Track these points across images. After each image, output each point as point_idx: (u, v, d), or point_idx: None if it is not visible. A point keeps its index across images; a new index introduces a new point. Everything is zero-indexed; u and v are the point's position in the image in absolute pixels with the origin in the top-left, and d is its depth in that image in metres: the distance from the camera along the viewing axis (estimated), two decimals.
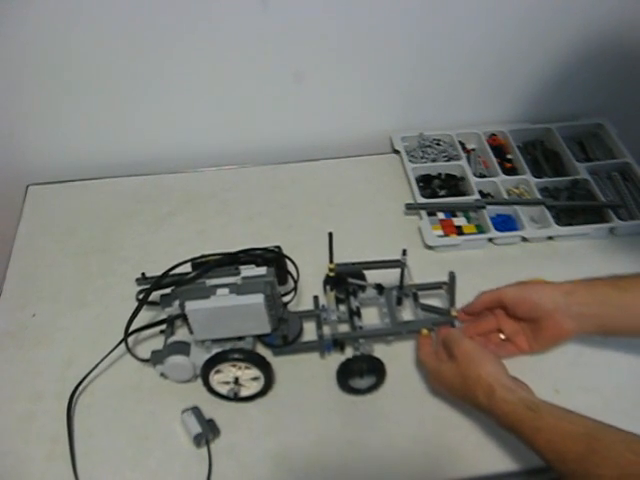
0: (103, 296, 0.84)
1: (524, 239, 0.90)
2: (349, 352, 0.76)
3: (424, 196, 0.96)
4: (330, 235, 0.72)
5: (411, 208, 0.94)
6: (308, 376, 0.75)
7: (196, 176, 1.02)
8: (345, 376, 0.72)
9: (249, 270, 0.70)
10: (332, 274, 0.76)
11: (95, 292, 0.85)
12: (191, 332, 0.70)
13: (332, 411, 0.72)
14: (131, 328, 0.73)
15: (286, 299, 0.77)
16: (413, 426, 0.71)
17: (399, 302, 0.79)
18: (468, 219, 0.94)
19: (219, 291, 0.68)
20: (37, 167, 1.02)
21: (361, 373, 0.71)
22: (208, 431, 0.68)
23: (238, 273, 0.69)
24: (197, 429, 0.68)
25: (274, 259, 0.75)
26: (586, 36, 1.00)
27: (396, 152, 1.05)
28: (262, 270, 0.70)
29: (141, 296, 0.74)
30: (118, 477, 0.67)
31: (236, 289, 0.68)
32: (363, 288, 0.80)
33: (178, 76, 0.94)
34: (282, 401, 0.73)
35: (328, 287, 0.77)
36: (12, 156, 1.01)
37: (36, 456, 0.68)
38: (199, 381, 0.73)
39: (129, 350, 0.74)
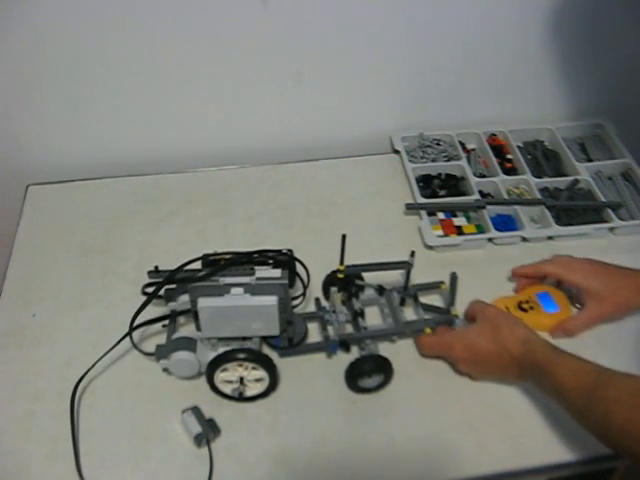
0: (103, 296, 0.84)
1: (524, 239, 0.90)
2: (354, 352, 0.76)
3: (424, 196, 0.96)
4: (343, 237, 0.72)
5: (411, 208, 0.94)
6: (309, 376, 0.75)
7: (196, 176, 1.02)
8: (354, 376, 0.72)
9: (263, 271, 0.70)
10: (342, 276, 0.76)
11: (95, 292, 0.84)
12: (198, 329, 0.71)
13: (333, 411, 0.72)
14: (133, 323, 0.74)
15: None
16: (413, 426, 0.71)
17: (402, 302, 0.79)
18: (468, 219, 0.94)
19: (233, 290, 0.68)
20: (37, 167, 1.02)
21: (370, 373, 0.71)
22: (208, 431, 0.68)
23: (252, 273, 0.69)
24: (197, 429, 0.68)
25: (286, 262, 0.75)
26: (586, 36, 1.00)
27: (396, 152, 1.05)
28: (277, 272, 0.69)
29: (147, 289, 0.75)
30: (119, 477, 0.67)
31: (250, 289, 0.68)
32: (363, 289, 0.81)
33: (178, 76, 0.94)
34: (283, 401, 0.73)
35: (334, 289, 0.77)
36: (12, 156, 1.01)
37: (36, 456, 0.68)
38: (199, 381, 0.73)
39: (134, 344, 0.75)
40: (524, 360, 0.66)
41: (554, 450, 0.68)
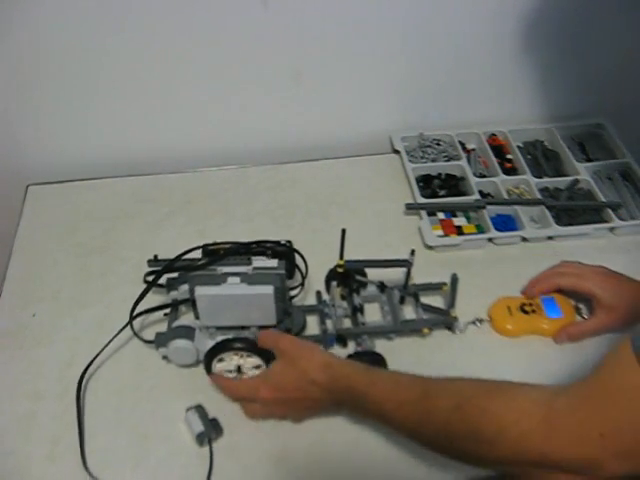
0: (103, 296, 0.84)
1: (524, 239, 0.90)
2: (351, 347, 0.77)
3: (424, 196, 0.96)
4: (343, 231, 0.72)
5: (411, 208, 0.94)
6: None
7: (196, 176, 1.02)
8: None
9: (260, 261, 0.71)
10: (341, 270, 0.77)
11: (95, 292, 0.84)
12: (197, 317, 0.71)
13: (332, 411, 0.72)
14: (134, 312, 0.75)
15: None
16: None
17: (402, 301, 0.80)
18: (468, 219, 0.94)
19: (230, 279, 0.69)
20: (37, 167, 1.02)
21: None
22: (211, 430, 0.68)
23: (250, 263, 0.70)
24: (200, 428, 0.68)
25: (284, 253, 0.76)
26: (586, 36, 1.00)
27: (396, 152, 1.05)
28: (274, 262, 0.70)
29: (149, 278, 0.75)
30: (119, 476, 0.67)
31: (247, 279, 0.69)
32: (364, 285, 0.81)
33: (178, 76, 0.94)
34: None
35: (334, 283, 0.77)
36: (12, 156, 1.01)
37: (36, 456, 0.68)
38: (200, 381, 0.73)
39: (135, 332, 0.75)
40: (333, 387, 0.63)
41: None
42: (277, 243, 0.77)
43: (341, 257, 0.75)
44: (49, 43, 0.87)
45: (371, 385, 0.60)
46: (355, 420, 0.71)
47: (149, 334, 0.77)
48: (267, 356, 0.70)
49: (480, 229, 0.92)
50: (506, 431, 0.51)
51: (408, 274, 0.78)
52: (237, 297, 0.68)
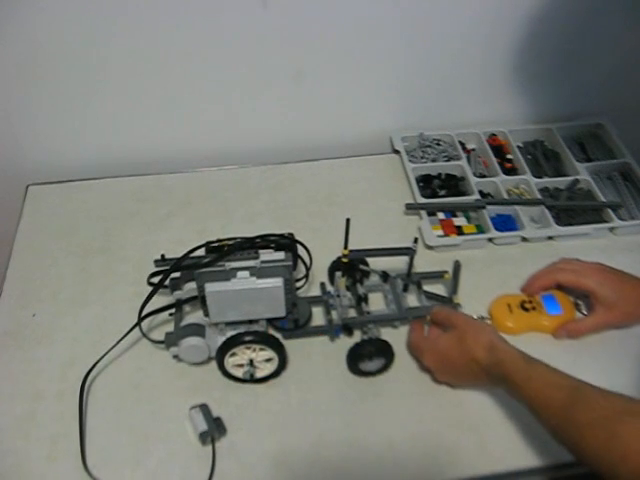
0: (103, 296, 0.84)
1: (524, 239, 0.90)
2: (357, 337, 0.77)
3: (424, 196, 0.96)
4: (347, 221, 0.73)
5: (411, 208, 0.94)
6: (308, 377, 0.75)
7: (196, 176, 1.02)
8: (355, 359, 0.73)
9: (268, 254, 0.71)
10: (346, 260, 0.77)
11: (95, 292, 0.84)
12: (206, 314, 0.71)
13: (332, 411, 0.72)
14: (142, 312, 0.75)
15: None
16: (413, 425, 0.71)
17: (405, 289, 0.81)
18: (468, 219, 0.94)
19: (240, 274, 0.69)
20: (37, 167, 1.02)
21: (370, 356, 0.73)
22: (214, 429, 0.68)
23: (257, 257, 0.70)
24: (203, 426, 0.68)
25: (288, 245, 0.77)
26: (586, 36, 1.00)
27: (396, 152, 1.05)
28: (280, 255, 0.71)
29: (153, 279, 0.75)
30: (120, 475, 0.67)
31: (256, 272, 0.69)
32: (368, 275, 0.82)
33: (178, 76, 0.94)
34: (283, 401, 0.73)
35: (339, 273, 0.78)
36: (12, 156, 1.01)
37: (36, 456, 0.68)
38: (201, 380, 0.73)
39: (144, 334, 0.75)
40: (492, 371, 0.65)
41: (556, 450, 0.68)
42: (280, 236, 0.78)
43: (345, 247, 0.76)
44: (49, 43, 0.87)
45: (526, 380, 0.62)
46: (355, 420, 0.71)
47: (151, 335, 0.77)
48: (279, 348, 0.71)
49: (480, 229, 0.92)
50: (629, 459, 0.50)
51: (411, 261, 0.79)
52: (248, 291, 0.69)
